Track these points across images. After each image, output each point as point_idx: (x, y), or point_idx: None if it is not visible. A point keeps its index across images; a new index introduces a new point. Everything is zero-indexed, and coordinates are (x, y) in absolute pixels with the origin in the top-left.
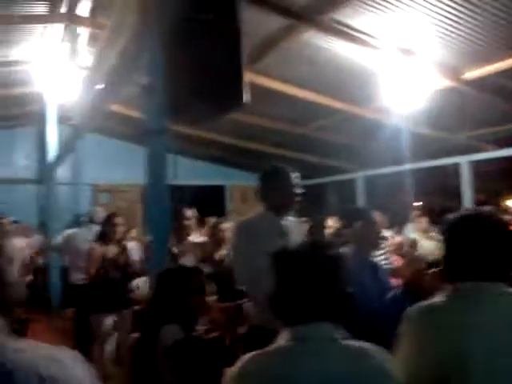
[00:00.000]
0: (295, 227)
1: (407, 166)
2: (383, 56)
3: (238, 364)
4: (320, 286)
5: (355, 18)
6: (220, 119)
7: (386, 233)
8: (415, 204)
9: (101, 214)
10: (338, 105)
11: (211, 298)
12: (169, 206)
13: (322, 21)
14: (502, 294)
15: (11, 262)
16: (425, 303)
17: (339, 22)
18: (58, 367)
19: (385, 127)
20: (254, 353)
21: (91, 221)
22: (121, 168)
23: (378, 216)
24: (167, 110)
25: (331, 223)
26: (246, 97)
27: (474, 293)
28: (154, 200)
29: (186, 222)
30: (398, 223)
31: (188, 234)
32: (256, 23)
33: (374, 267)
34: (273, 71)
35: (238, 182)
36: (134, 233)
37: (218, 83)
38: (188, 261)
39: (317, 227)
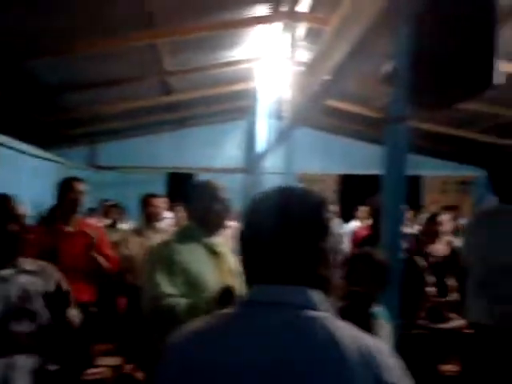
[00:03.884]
0: None
1: None
2: None
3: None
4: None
5: None
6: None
7: None
8: None
9: None
10: None
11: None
12: (404, 198)
13: None
14: None
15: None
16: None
17: None
18: (380, 352)
19: None
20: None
21: None
22: (320, 158)
23: None
24: (411, 96)
25: None
26: (499, 79)
27: None
28: (391, 191)
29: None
30: None
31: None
32: None
33: None
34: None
35: (437, 173)
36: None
37: (468, 65)
38: None
39: None
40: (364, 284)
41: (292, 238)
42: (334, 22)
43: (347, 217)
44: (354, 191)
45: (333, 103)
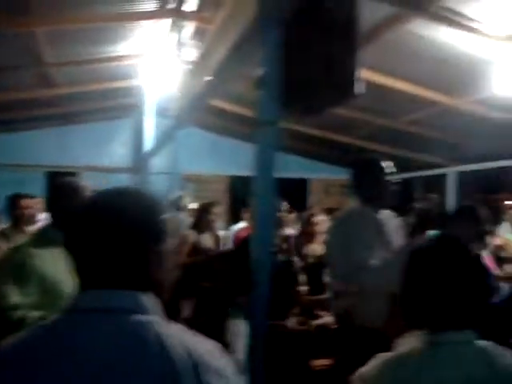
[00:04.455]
0: (390, 221)
1: (507, 163)
2: (493, 44)
3: (372, 366)
4: (464, 290)
5: (466, 5)
6: (328, 111)
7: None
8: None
9: (187, 201)
10: (436, 97)
11: (302, 289)
12: (275, 198)
13: (431, 8)
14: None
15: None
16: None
17: (449, 9)
18: (209, 355)
19: (485, 120)
20: (387, 355)
21: (177, 208)
22: (208, 159)
23: (482, 212)
24: (280, 102)
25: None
26: (360, 89)
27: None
28: (261, 192)
29: (279, 215)
30: (495, 223)
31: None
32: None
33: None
34: (372, 63)
35: (322, 176)
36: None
37: (332, 74)
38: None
39: (421, 222)
40: (224, 283)
41: (122, 241)
42: (215, 23)
43: (237, 218)
44: (244, 192)
45: (220, 104)
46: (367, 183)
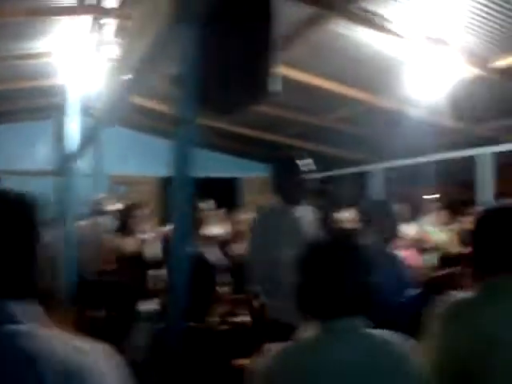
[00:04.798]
0: (309, 217)
1: (427, 158)
2: (410, 45)
3: (267, 357)
4: (350, 279)
5: (383, 6)
6: (247, 110)
7: (406, 226)
8: (433, 196)
9: (109, 203)
10: (359, 95)
11: (224, 289)
12: (193, 198)
13: (350, 9)
14: None
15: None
16: (454, 298)
17: (367, 11)
18: (84, 358)
19: (406, 118)
20: (281, 345)
21: (100, 211)
22: (138, 160)
23: (399, 209)
24: (197, 100)
25: (348, 216)
26: (276, 87)
27: (505, 285)
28: (178, 192)
29: (201, 215)
30: (416, 216)
31: (202, 227)
32: (283, 13)
33: (393, 260)
34: (296, 61)
35: (254, 174)
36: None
37: (247, 73)
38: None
39: (328, 217)
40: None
41: None
42: (134, 19)
43: (167, 220)
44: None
45: (147, 103)
46: (284, 181)
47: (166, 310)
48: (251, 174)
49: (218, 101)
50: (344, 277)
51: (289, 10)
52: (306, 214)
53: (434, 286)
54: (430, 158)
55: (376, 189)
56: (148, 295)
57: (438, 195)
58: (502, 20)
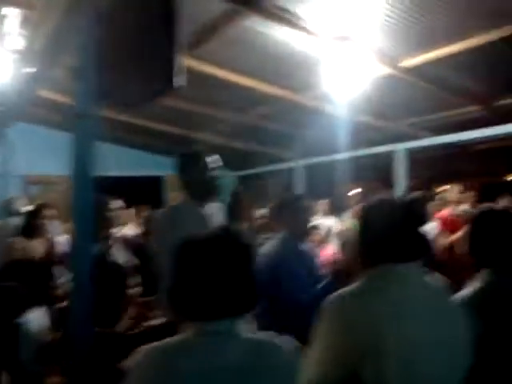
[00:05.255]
0: (216, 216)
1: (346, 154)
2: (323, 43)
3: (138, 355)
4: (225, 278)
5: (297, 4)
6: (153, 104)
7: (327, 221)
8: (354, 192)
9: (21, 204)
10: (278, 92)
11: (134, 291)
12: (95, 196)
13: (264, 6)
14: (416, 276)
15: None
16: (341, 291)
17: (281, 8)
18: None
19: (324, 115)
20: (153, 344)
21: (10, 212)
22: (53, 159)
23: (320, 204)
24: (97, 93)
25: (262, 212)
26: (180, 81)
27: (388, 276)
28: (78, 191)
29: (110, 214)
30: (337, 211)
31: (111, 227)
32: (198, 8)
33: (304, 255)
34: (213, 57)
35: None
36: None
37: (150, 67)
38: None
39: (235, 212)
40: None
41: None
42: (36, 11)
43: None
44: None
45: (60, 98)
46: (191, 178)
47: (67, 315)
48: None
49: (118, 94)
50: (218, 276)
51: (204, 4)
52: (214, 212)
53: (339, 276)
54: (351, 154)
55: (299, 185)
56: (53, 301)
57: (360, 190)
58: (410, 21)
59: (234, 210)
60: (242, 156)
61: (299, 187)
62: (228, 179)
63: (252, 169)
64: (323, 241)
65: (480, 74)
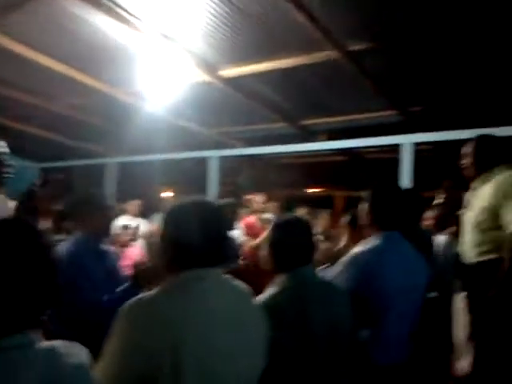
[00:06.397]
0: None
1: (161, 156)
2: (144, 39)
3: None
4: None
5: None
6: None
7: (136, 222)
8: (165, 194)
9: None
10: (92, 83)
11: None
12: None
13: None
14: (219, 280)
15: None
16: (140, 295)
17: None
18: None
19: (142, 114)
20: None
21: None
22: None
23: (130, 204)
24: None
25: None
26: None
27: (190, 281)
28: None
29: None
30: (148, 212)
31: None
32: None
33: (105, 255)
34: (22, 35)
35: None
36: None
37: None
38: None
39: (29, 207)
40: None
41: None
42: None
43: None
44: None
45: None
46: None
47: None
48: None
49: None
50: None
51: None
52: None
53: (140, 280)
54: (165, 156)
55: (110, 183)
56: None
57: (172, 193)
58: (230, 33)
59: (28, 206)
60: (49, 146)
61: (110, 185)
62: (25, 169)
63: (60, 161)
64: (131, 242)
65: (289, 93)
